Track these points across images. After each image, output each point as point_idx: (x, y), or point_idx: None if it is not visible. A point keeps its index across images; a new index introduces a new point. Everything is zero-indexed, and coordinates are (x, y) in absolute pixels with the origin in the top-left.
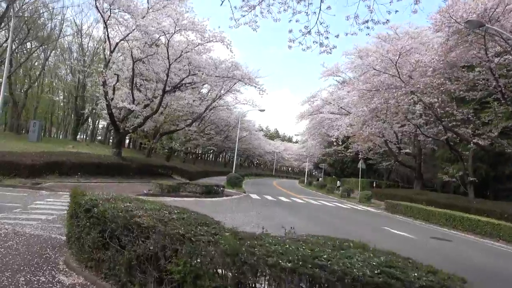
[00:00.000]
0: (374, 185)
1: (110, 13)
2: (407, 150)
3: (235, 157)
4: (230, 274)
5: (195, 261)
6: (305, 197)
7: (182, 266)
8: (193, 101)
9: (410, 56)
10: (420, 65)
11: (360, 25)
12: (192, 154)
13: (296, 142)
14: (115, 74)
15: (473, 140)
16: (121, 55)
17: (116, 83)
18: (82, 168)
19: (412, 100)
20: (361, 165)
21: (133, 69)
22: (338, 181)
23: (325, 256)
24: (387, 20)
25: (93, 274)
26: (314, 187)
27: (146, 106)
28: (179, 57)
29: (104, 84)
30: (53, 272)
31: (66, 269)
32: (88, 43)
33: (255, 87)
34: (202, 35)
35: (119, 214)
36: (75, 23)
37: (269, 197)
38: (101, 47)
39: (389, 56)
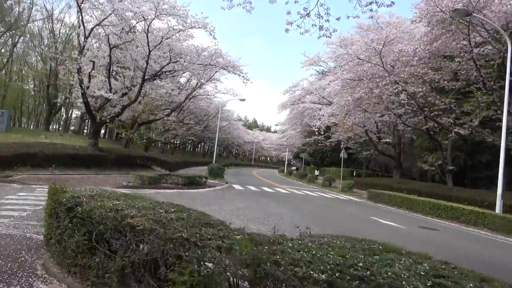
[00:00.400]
0: (354, 174)
1: None
2: (387, 140)
3: (215, 147)
4: (247, 285)
5: (205, 271)
6: (287, 187)
7: (188, 276)
8: (172, 90)
9: (394, 45)
10: (404, 55)
11: (363, 8)
12: (170, 144)
13: (275, 132)
14: (90, 61)
15: (454, 129)
16: (96, 42)
17: (91, 70)
18: (57, 160)
19: (396, 89)
20: (343, 154)
21: (109, 56)
22: (316, 171)
23: (361, 264)
24: (392, 2)
25: (78, 281)
26: (295, 176)
27: (123, 95)
28: (159, 44)
29: (79, 71)
30: (30, 279)
31: (46, 275)
32: (60, 29)
33: (239, 75)
34: (184, 20)
35: (108, 214)
36: (45, 8)
37: (253, 188)
38: (74, 33)
39: (373, 45)
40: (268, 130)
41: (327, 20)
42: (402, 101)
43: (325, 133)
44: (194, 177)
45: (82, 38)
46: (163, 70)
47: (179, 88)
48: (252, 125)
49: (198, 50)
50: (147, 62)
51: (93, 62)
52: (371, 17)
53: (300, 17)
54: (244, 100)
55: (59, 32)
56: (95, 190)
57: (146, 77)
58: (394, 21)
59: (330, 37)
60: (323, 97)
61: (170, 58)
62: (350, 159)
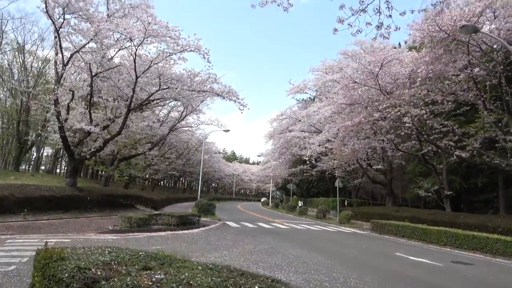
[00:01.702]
0: (346, 203)
1: (64, 20)
2: (379, 166)
3: (200, 182)
4: None
5: None
6: (284, 222)
7: None
8: (153, 122)
9: (390, 68)
10: (401, 77)
11: None
12: (150, 180)
13: (254, 163)
14: (70, 90)
15: (455, 153)
16: (75, 71)
17: (70, 101)
18: (30, 204)
19: (398, 112)
20: (338, 183)
21: (91, 85)
22: (299, 201)
23: None
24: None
25: None
26: (283, 209)
27: (105, 127)
28: (147, 69)
29: (56, 102)
30: None
31: None
32: (32, 63)
33: (235, 101)
34: (175, 42)
35: None
36: (17, 40)
37: (249, 224)
38: (47, 66)
39: (370, 67)
40: (247, 162)
41: (390, 15)
42: (407, 124)
43: (317, 162)
44: (187, 215)
45: (59, 66)
46: (151, 98)
47: (159, 121)
48: (231, 157)
49: (190, 75)
50: (133, 90)
51: (72, 92)
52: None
53: (353, 15)
54: (228, 131)
55: (31, 66)
56: (99, 249)
57: (131, 107)
58: (378, 46)
59: (388, 38)
60: (311, 125)
61: (160, 85)
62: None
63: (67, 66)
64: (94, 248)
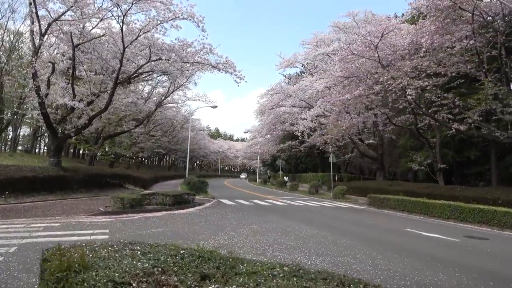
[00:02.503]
0: (337, 178)
1: None
2: (370, 141)
3: (187, 159)
4: None
5: None
6: (278, 198)
7: None
8: (138, 99)
9: (391, 38)
10: (400, 48)
11: None
12: (136, 159)
13: (237, 140)
14: (49, 62)
15: (453, 126)
16: (53, 43)
17: (51, 74)
18: (11, 185)
19: (400, 85)
20: (332, 158)
21: (73, 57)
22: (285, 177)
23: None
24: None
25: None
26: (272, 185)
27: (89, 103)
28: (136, 39)
29: (35, 76)
30: None
31: None
32: (2, 37)
33: (231, 73)
34: (168, 8)
35: None
36: None
37: (244, 202)
38: (19, 40)
39: (370, 38)
40: (231, 139)
41: None
42: (408, 97)
43: (308, 137)
44: (181, 194)
45: (36, 36)
46: (140, 71)
47: (143, 97)
48: (215, 135)
49: (182, 46)
50: (120, 62)
51: (53, 64)
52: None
53: None
54: (216, 107)
55: (2, 40)
56: (125, 248)
57: (119, 80)
58: (373, 18)
59: None
60: (302, 100)
61: (150, 56)
62: (325, 163)
63: (45, 37)
64: (118, 245)
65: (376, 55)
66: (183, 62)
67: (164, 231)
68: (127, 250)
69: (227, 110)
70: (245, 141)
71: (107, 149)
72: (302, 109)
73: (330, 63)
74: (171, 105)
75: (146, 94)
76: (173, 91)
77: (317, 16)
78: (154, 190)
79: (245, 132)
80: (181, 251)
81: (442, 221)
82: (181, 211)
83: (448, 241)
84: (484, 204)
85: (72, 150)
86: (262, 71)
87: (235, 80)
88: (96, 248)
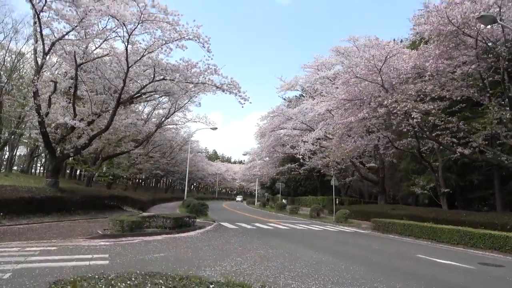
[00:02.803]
0: (337, 202)
1: (45, 2)
2: (372, 164)
3: (186, 181)
4: None
5: None
6: (280, 222)
7: None
8: (137, 120)
9: (395, 62)
10: (403, 72)
11: None
12: (133, 180)
13: (235, 162)
14: (51, 81)
15: (458, 149)
16: (55, 63)
17: (52, 93)
18: (6, 206)
19: (405, 108)
20: (334, 182)
21: (75, 75)
22: (283, 200)
23: None
24: None
25: None
26: (272, 208)
27: (90, 123)
28: (140, 58)
29: (36, 95)
30: None
31: None
32: (4, 57)
33: (235, 94)
34: (174, 28)
35: None
36: None
37: (245, 225)
38: (21, 60)
39: (374, 62)
40: (228, 161)
41: None
42: (414, 120)
43: (308, 160)
44: (182, 217)
45: (40, 54)
46: (142, 91)
47: (142, 119)
48: (213, 157)
49: (187, 66)
50: (124, 81)
51: (55, 83)
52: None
53: None
54: (216, 128)
55: (4, 60)
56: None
57: (121, 100)
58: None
59: None
60: (303, 122)
61: (154, 76)
62: (325, 186)
63: (47, 56)
64: (137, 277)
65: (379, 78)
66: (187, 82)
67: (167, 256)
68: (149, 285)
69: (225, 132)
70: (243, 163)
71: (104, 170)
72: (303, 132)
73: (331, 86)
74: (171, 126)
75: (146, 116)
76: (174, 112)
77: (317, 38)
78: (153, 212)
79: (244, 154)
80: (211, 286)
81: (451, 247)
82: (182, 234)
83: (463, 268)
84: (492, 229)
85: (68, 171)
86: (261, 93)
87: (239, 101)
88: (113, 282)
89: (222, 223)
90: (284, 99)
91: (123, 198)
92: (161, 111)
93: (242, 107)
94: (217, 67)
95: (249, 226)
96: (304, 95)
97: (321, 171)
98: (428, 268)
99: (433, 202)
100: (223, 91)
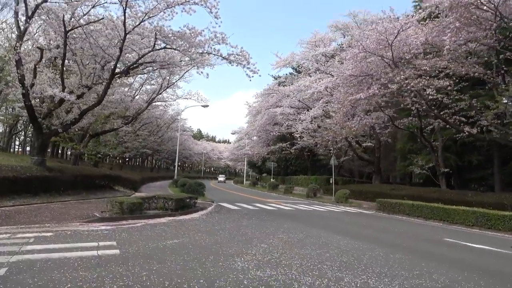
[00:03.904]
0: (331, 181)
1: None
2: (369, 143)
3: (176, 160)
4: None
5: None
6: (280, 202)
7: None
8: (125, 96)
9: (407, 37)
10: (413, 47)
11: None
12: (119, 159)
13: (219, 141)
14: (38, 47)
15: (465, 128)
16: (38, 29)
17: (39, 62)
18: None
19: (420, 83)
20: (333, 161)
21: (64, 43)
22: (271, 179)
23: None
24: None
25: None
26: (263, 188)
27: (80, 96)
28: (139, 24)
29: (19, 64)
30: None
31: None
32: None
33: (244, 66)
34: None
35: None
36: None
37: (247, 206)
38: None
39: (385, 35)
40: (213, 140)
41: None
42: (430, 97)
43: (310, 138)
44: (184, 198)
45: (22, 18)
46: (141, 61)
47: (130, 95)
48: (198, 136)
49: (192, 34)
50: (120, 49)
51: (41, 49)
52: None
53: None
54: (207, 106)
55: None
56: None
57: (116, 71)
58: (373, 19)
59: None
60: (300, 100)
61: (154, 44)
62: (315, 165)
63: (31, 20)
64: None
65: (389, 53)
66: (191, 52)
67: (183, 243)
68: None
69: (209, 111)
70: (228, 143)
71: (90, 148)
72: (298, 110)
73: (330, 63)
74: (159, 103)
75: (134, 92)
76: (167, 87)
77: (310, 16)
78: (144, 192)
79: (233, 133)
80: None
81: (467, 229)
82: (186, 216)
83: (494, 252)
84: (502, 210)
85: (50, 149)
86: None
87: (247, 74)
88: None
89: (221, 204)
90: (275, 77)
91: (115, 177)
92: (148, 87)
93: (250, 80)
94: (225, 36)
95: (250, 207)
96: (295, 73)
97: (313, 151)
98: (469, 254)
99: (429, 182)
100: (230, 62)
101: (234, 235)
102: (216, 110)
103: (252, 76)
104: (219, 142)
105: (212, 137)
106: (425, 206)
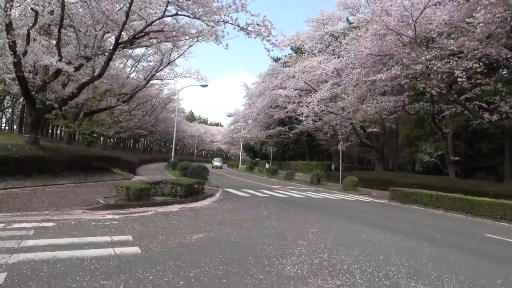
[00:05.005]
0: (333, 167)
1: None
2: (375, 129)
3: (173, 141)
4: None
5: None
6: (287, 189)
7: None
8: (120, 72)
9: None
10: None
11: None
12: (113, 140)
13: (211, 124)
14: (32, 9)
15: (485, 115)
16: None
17: (33, 26)
18: None
19: (448, 65)
20: (340, 147)
21: (62, 4)
22: (266, 164)
23: None
24: None
25: None
26: (261, 172)
27: (78, 67)
28: None
29: (9, 28)
30: None
31: None
32: None
33: (263, 39)
34: None
35: None
36: None
37: (255, 192)
38: None
39: (410, 11)
40: (205, 122)
41: None
42: (459, 79)
43: (316, 122)
44: (192, 184)
45: None
46: (146, 30)
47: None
48: (190, 118)
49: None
50: (127, 14)
51: (36, 12)
52: None
53: None
54: (206, 86)
55: None
56: None
57: (120, 40)
58: None
59: None
60: (306, 82)
61: (165, 9)
62: (314, 150)
63: None
64: None
65: (410, 31)
66: (209, 20)
67: (210, 239)
68: None
69: (201, 93)
70: (220, 126)
71: (85, 127)
72: (301, 93)
73: (338, 43)
74: (156, 81)
75: (130, 68)
76: (168, 63)
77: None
78: (142, 175)
79: (229, 116)
80: None
81: (494, 222)
82: (196, 204)
83: None
84: None
85: (48, 128)
86: (238, 53)
87: (266, 47)
88: None
89: (227, 190)
90: (274, 59)
91: (115, 159)
92: (145, 64)
93: (269, 54)
94: (246, 1)
95: (259, 194)
96: (294, 54)
97: (312, 135)
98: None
99: (434, 170)
100: (248, 34)
101: (260, 228)
102: (207, 92)
103: (272, 50)
104: (211, 125)
105: (205, 119)
106: (446, 197)
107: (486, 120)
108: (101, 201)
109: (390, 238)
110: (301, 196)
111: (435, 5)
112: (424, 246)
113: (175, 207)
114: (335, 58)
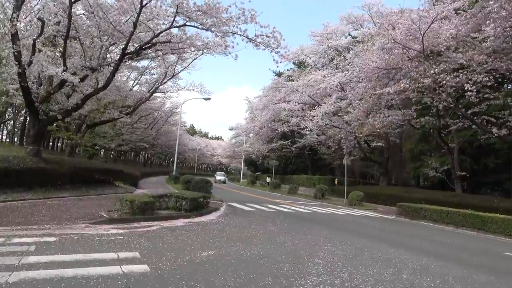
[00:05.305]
0: (336, 182)
1: None
2: (379, 143)
3: (175, 154)
4: None
5: None
6: (292, 203)
7: None
8: (123, 84)
9: (439, 27)
10: (444, 40)
11: None
12: (115, 153)
13: (211, 138)
14: (38, 18)
15: (493, 130)
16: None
17: (39, 36)
18: None
19: (457, 78)
20: (346, 161)
21: (69, 15)
22: (267, 178)
23: None
24: None
25: None
26: (264, 187)
27: (83, 78)
28: None
29: (15, 38)
30: None
31: None
32: None
33: (271, 50)
34: None
35: None
36: None
37: (258, 206)
38: None
39: (417, 25)
40: (206, 136)
41: None
42: (469, 93)
43: (319, 135)
44: (198, 198)
45: None
46: (154, 41)
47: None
48: (191, 131)
49: (216, 8)
50: (135, 24)
51: (42, 21)
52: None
53: None
54: (209, 99)
55: None
56: None
57: (127, 51)
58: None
59: None
60: (310, 96)
61: (174, 19)
62: (316, 165)
63: None
64: None
65: (417, 45)
66: (218, 30)
67: (221, 256)
68: None
69: (201, 106)
70: (221, 140)
71: (87, 140)
72: (304, 106)
73: (342, 57)
74: (159, 94)
75: (133, 81)
76: (172, 75)
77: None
78: (144, 188)
79: (230, 129)
80: None
81: (508, 239)
82: (202, 218)
83: None
84: None
85: (49, 140)
86: (238, 67)
87: (274, 60)
88: None
89: (231, 204)
90: (276, 73)
91: (116, 172)
92: (148, 76)
93: (277, 66)
94: (255, 13)
95: (265, 208)
96: (296, 68)
97: (314, 150)
98: None
99: (438, 185)
100: (256, 45)
101: (272, 244)
102: (208, 106)
103: (281, 62)
104: (211, 138)
105: (205, 133)
106: (457, 213)
107: (495, 134)
108: (104, 215)
109: (409, 256)
110: (307, 211)
111: (442, 19)
112: (446, 267)
113: (180, 222)
114: (339, 72)
